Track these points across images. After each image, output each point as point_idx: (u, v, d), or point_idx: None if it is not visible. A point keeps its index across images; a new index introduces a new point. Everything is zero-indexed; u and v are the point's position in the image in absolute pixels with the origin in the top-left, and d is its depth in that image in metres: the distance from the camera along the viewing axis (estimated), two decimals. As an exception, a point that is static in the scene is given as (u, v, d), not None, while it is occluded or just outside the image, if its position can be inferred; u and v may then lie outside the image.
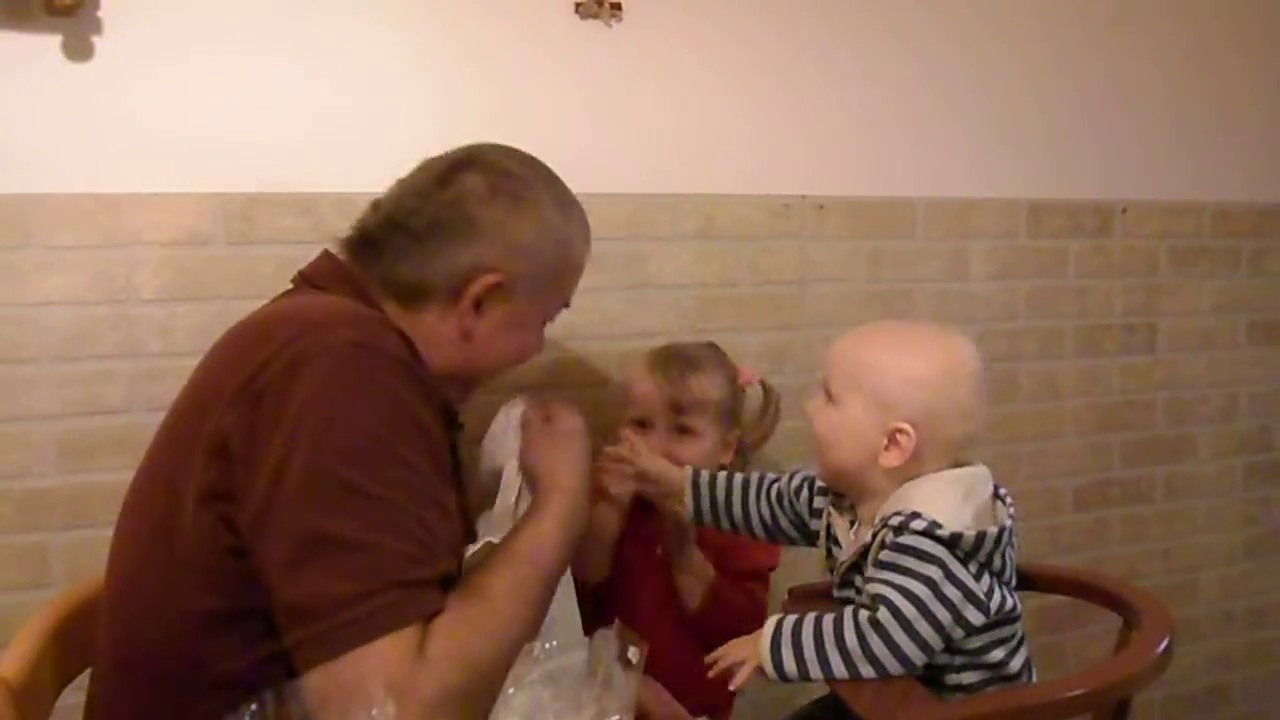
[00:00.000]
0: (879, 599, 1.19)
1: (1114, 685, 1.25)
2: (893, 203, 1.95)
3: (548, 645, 0.71)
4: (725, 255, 1.83)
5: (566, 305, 1.33)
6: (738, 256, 1.84)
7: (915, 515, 1.19)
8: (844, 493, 1.34)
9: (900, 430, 1.24)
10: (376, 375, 0.99)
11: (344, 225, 1.24)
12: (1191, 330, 2.26)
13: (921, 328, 1.40)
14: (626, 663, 0.70)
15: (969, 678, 1.26)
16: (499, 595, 0.99)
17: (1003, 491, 1.31)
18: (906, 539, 1.19)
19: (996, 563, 1.24)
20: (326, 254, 1.23)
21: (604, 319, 1.75)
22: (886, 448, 1.25)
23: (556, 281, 1.27)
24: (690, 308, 1.81)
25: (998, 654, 1.27)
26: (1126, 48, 2.13)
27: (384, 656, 0.88)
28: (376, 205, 1.24)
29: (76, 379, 1.48)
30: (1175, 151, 2.20)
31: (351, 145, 1.58)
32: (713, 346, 1.68)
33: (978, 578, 1.22)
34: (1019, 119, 2.05)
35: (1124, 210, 2.15)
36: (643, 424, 1.59)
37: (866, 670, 1.19)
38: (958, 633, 1.20)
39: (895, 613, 1.18)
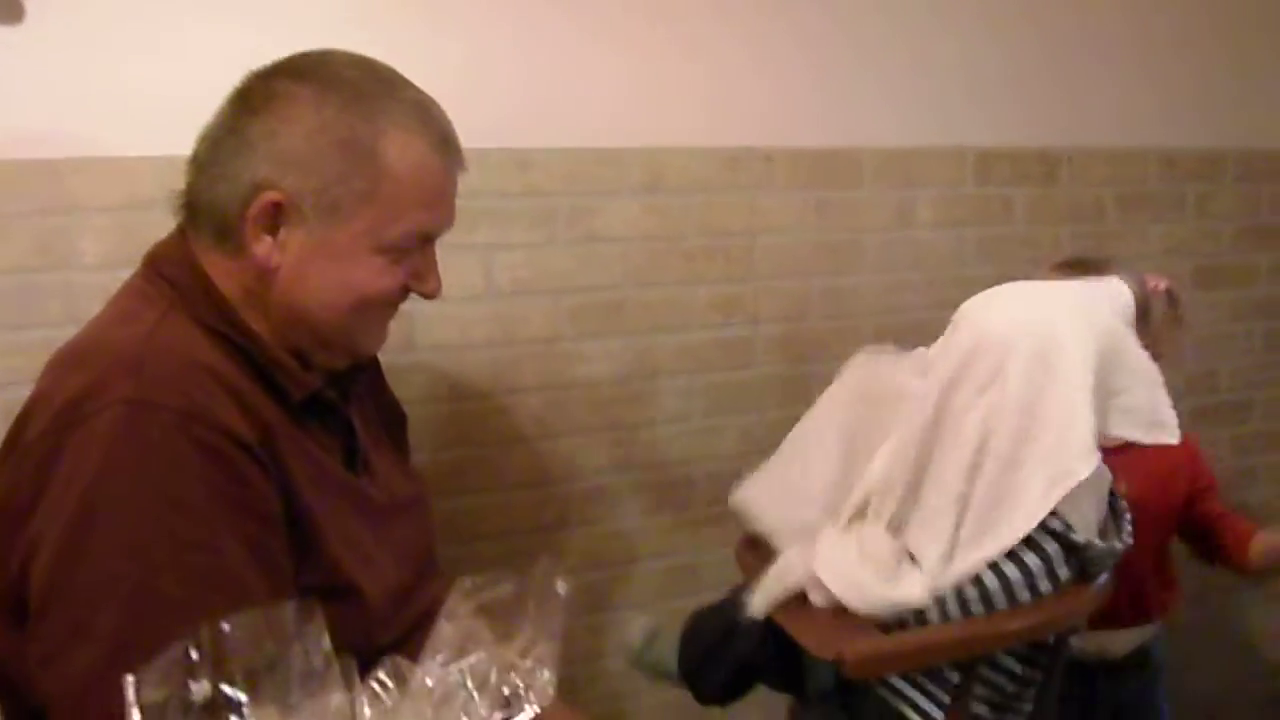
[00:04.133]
0: None
1: (1051, 620, 1.29)
2: (839, 153, 1.96)
3: (479, 579, 0.73)
4: (673, 208, 1.83)
5: (426, 234, 1.08)
6: (685, 209, 1.84)
7: None
8: None
9: None
10: (148, 444, 0.90)
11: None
12: (1139, 276, 2.28)
13: None
14: (554, 594, 0.72)
15: None
16: None
17: None
18: None
19: None
20: (178, 225, 1.10)
21: (551, 274, 1.75)
22: None
23: (367, 196, 1.02)
24: (639, 261, 1.81)
25: None
26: (1069, -5, 2.14)
27: None
28: None
29: (21, 347, 1.46)
30: (1119, 98, 2.22)
31: (292, 105, 1.57)
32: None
33: None
34: (963, 67, 2.06)
35: (1069, 158, 2.17)
36: None
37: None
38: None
39: None
